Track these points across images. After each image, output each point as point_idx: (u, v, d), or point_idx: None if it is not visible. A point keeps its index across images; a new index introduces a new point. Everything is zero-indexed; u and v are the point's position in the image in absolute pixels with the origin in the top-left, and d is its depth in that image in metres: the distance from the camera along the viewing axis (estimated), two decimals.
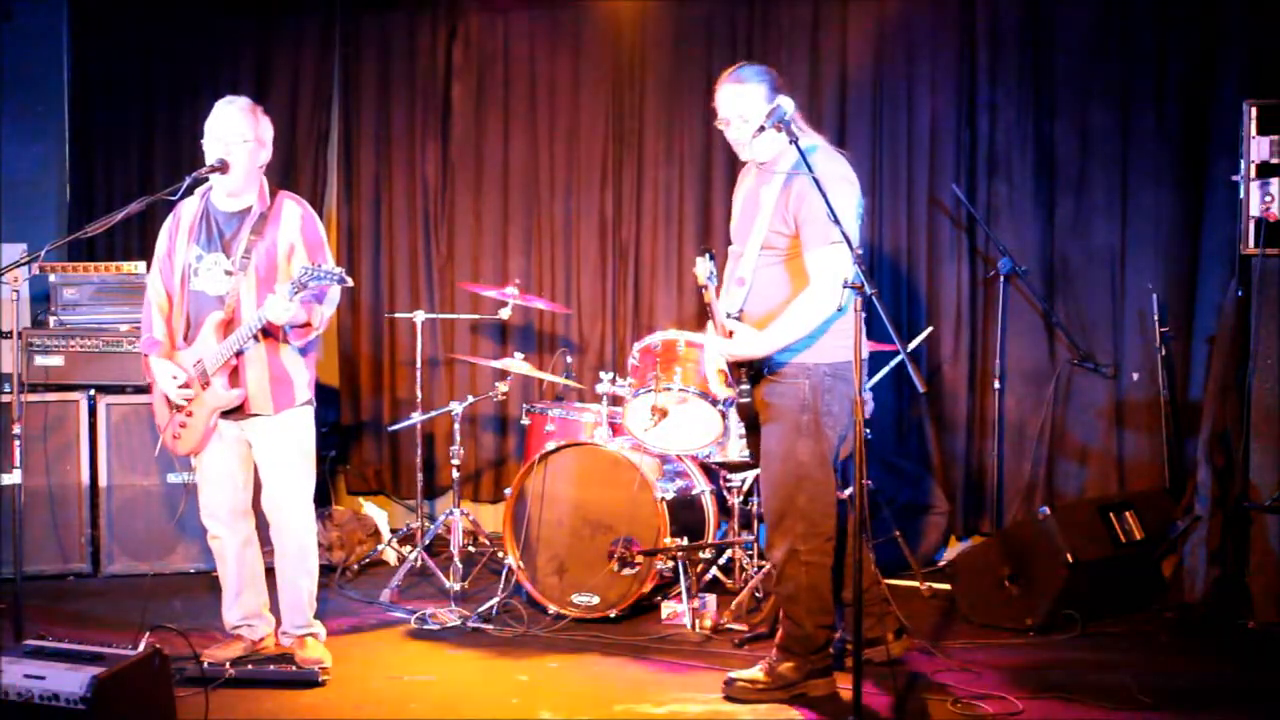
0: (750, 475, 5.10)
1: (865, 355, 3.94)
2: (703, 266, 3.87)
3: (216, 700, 3.78)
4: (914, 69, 5.94)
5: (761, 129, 3.81)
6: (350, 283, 4.09)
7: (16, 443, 4.02)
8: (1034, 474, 5.74)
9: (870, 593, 4.15)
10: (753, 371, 3.95)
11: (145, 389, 5.34)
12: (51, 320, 5.72)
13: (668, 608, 4.91)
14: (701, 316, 5.75)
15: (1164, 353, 5.45)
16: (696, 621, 4.73)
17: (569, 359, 5.81)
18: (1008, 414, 5.79)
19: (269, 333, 4.14)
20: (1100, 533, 4.82)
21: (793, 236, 3.86)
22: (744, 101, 3.90)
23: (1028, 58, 5.76)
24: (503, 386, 5.53)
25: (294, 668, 4.22)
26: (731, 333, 3.88)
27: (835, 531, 3.95)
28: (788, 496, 3.90)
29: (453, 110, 6.48)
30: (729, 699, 3.96)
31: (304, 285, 3.99)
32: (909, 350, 3.98)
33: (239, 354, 4.14)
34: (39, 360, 5.61)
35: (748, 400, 3.95)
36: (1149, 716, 3.84)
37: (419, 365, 5.75)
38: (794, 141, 3.73)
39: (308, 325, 4.18)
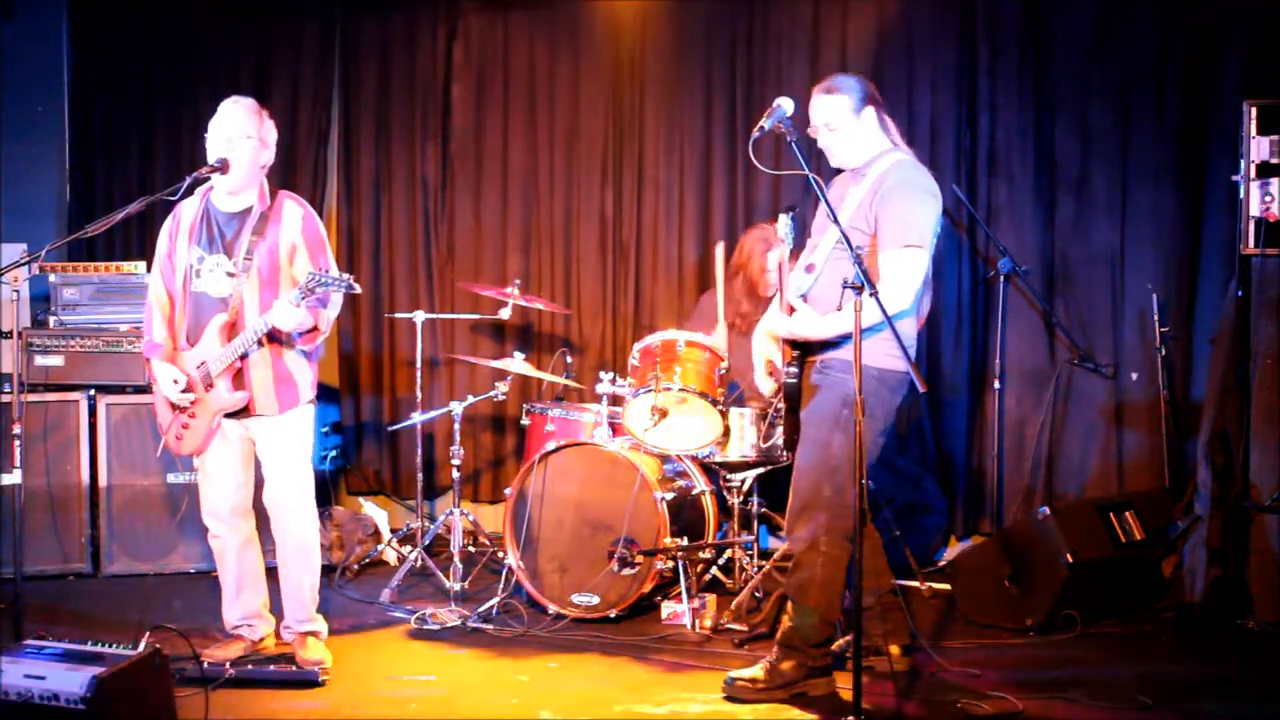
0: (750, 475, 5.10)
1: (903, 366, 3.95)
2: (784, 222, 3.98)
3: (216, 700, 3.78)
4: (914, 69, 5.94)
5: (762, 129, 3.82)
6: (358, 289, 4.09)
7: (16, 443, 4.02)
8: (1034, 474, 5.74)
9: (884, 600, 4.16)
10: (803, 356, 4.00)
11: (145, 389, 5.36)
12: (51, 320, 5.72)
13: (668, 608, 4.91)
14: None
15: (1164, 353, 5.45)
16: (696, 621, 4.74)
17: (569, 359, 5.81)
18: (1008, 414, 5.79)
19: (273, 335, 4.14)
20: (1100, 533, 4.82)
21: (870, 236, 3.89)
22: (830, 110, 3.98)
23: (1028, 58, 5.76)
24: (503, 386, 5.53)
25: (294, 668, 4.23)
26: (794, 310, 3.94)
27: (854, 530, 3.96)
28: (815, 486, 3.92)
29: (453, 110, 6.48)
30: (729, 699, 3.96)
31: (311, 291, 4.00)
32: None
33: (243, 357, 4.14)
34: (39, 360, 5.61)
35: (794, 380, 3.98)
36: (1149, 716, 3.84)
37: (419, 365, 5.75)
38: (793, 143, 3.78)
39: (315, 330, 4.18)
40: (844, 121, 3.97)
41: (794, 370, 4.00)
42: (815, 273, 4.01)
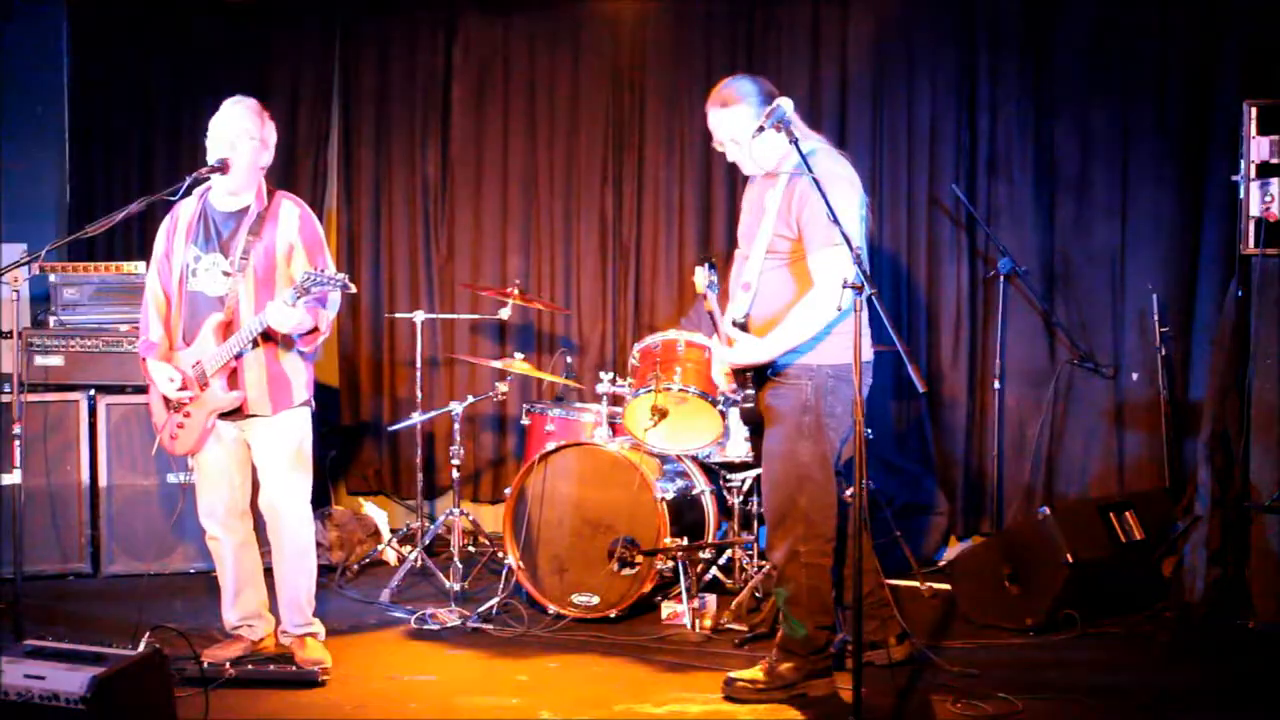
0: (750, 475, 5.11)
1: (871, 357, 3.96)
2: (702, 275, 3.88)
3: (216, 700, 3.77)
4: (914, 69, 5.94)
5: (761, 129, 3.80)
6: (353, 289, 4.08)
7: (16, 443, 4.03)
8: (1034, 474, 5.74)
9: (873, 596, 4.15)
10: (757, 375, 3.95)
11: (145, 389, 5.34)
12: (51, 320, 5.72)
13: (668, 608, 4.91)
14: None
15: (1164, 353, 5.45)
16: (696, 621, 4.73)
17: (569, 359, 5.81)
18: (1008, 414, 5.79)
19: (268, 335, 4.13)
20: (1100, 533, 4.82)
21: (796, 240, 3.85)
22: (734, 123, 3.86)
23: (1028, 58, 5.76)
24: (503, 386, 5.53)
25: (294, 668, 4.22)
26: (733, 341, 3.87)
27: (835, 533, 3.95)
28: (788, 497, 3.90)
29: (453, 110, 6.48)
30: (729, 699, 3.96)
31: (306, 290, 3.99)
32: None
33: (238, 356, 4.13)
34: (39, 360, 5.61)
35: (752, 405, 3.95)
36: (1149, 717, 3.84)
37: (419, 365, 5.75)
38: (794, 142, 3.73)
39: (315, 330, 4.17)
40: (750, 131, 3.79)
41: (751, 393, 3.95)
42: (752, 290, 3.92)
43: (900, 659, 4.15)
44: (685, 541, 4.86)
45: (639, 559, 4.80)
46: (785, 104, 3.79)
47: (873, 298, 3.48)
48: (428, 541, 5.58)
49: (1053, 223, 5.77)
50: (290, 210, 4.25)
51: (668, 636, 4.69)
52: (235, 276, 4.15)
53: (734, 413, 4.88)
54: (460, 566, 5.20)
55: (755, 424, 4.06)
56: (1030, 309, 5.76)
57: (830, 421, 3.87)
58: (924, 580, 5.18)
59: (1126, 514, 4.93)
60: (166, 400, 4.23)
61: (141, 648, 3.28)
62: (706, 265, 3.87)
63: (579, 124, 6.36)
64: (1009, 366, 5.77)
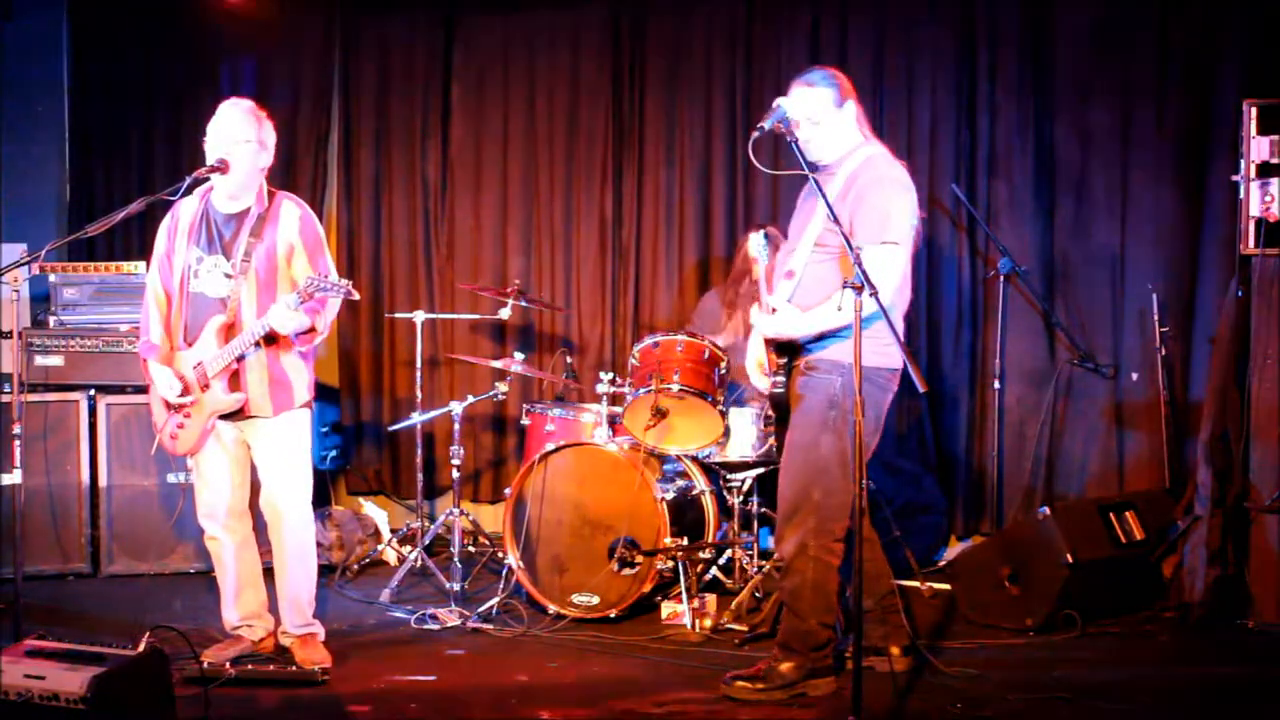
0: (750, 475, 5.11)
1: (900, 364, 3.96)
2: (756, 240, 4.07)
3: (216, 700, 3.77)
4: (914, 69, 5.94)
5: (761, 129, 3.82)
6: (356, 296, 4.08)
7: (16, 443, 4.02)
8: (1034, 474, 5.74)
9: (884, 602, 4.16)
10: (789, 363, 3.98)
11: (145, 389, 5.34)
12: (51, 320, 5.72)
13: (668, 608, 4.91)
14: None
15: (1164, 353, 5.44)
16: (696, 621, 4.73)
17: (569, 359, 5.81)
18: (1008, 414, 5.79)
19: (270, 337, 4.13)
20: (1100, 533, 4.82)
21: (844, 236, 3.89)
22: (811, 103, 3.95)
23: (1028, 58, 5.76)
24: (503, 386, 5.53)
25: (294, 668, 4.22)
26: (775, 310, 3.93)
27: (846, 531, 3.95)
28: (804, 490, 3.91)
29: (453, 110, 6.49)
30: (729, 699, 3.96)
31: (310, 296, 3.99)
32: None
33: (240, 358, 4.13)
34: (39, 360, 5.61)
35: (782, 390, 3.97)
36: (1149, 716, 3.84)
37: (419, 365, 5.75)
38: (793, 143, 3.78)
39: (312, 330, 4.17)
40: (827, 114, 3.95)
41: (781, 379, 3.98)
42: (795, 279, 3.98)
43: (901, 670, 4.13)
44: (685, 541, 4.86)
45: (639, 559, 4.80)
46: (785, 104, 3.85)
47: (874, 296, 3.49)
48: (428, 541, 5.58)
49: (1053, 223, 5.77)
50: (290, 211, 4.25)
51: (668, 636, 4.68)
52: (237, 278, 4.15)
53: (735, 412, 4.90)
54: (460, 566, 5.20)
55: (782, 412, 4.06)
56: (1030, 309, 5.76)
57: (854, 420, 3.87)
58: (924, 580, 5.18)
59: (1126, 514, 4.93)
60: (167, 401, 4.23)
61: (141, 648, 3.28)
62: (762, 233, 4.03)
63: (579, 124, 6.36)
64: (1009, 366, 5.77)
